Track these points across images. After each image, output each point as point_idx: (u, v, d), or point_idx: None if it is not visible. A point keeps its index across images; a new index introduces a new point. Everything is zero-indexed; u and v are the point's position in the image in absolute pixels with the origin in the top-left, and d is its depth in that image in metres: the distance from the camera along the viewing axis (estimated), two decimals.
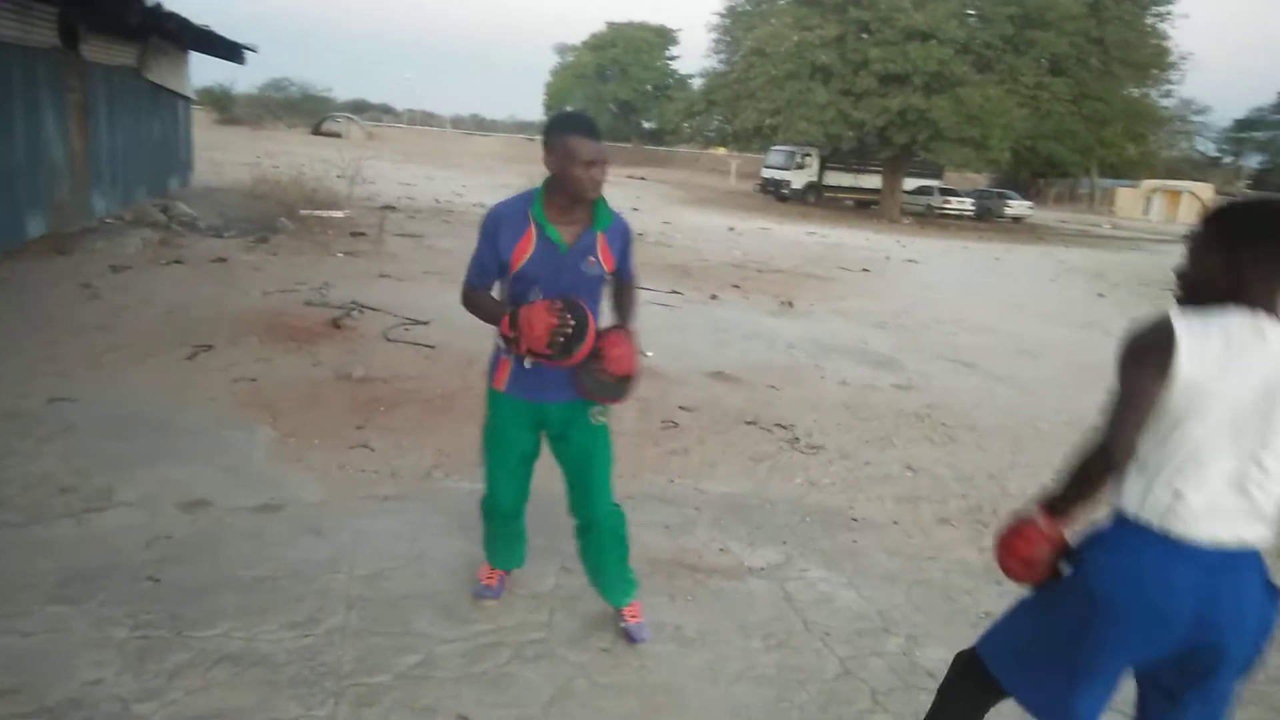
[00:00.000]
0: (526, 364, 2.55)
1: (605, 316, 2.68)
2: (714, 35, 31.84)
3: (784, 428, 5.34)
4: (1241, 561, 1.62)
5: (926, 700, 2.22)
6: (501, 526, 2.94)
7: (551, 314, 2.40)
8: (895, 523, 4.10)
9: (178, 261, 8.77)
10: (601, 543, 2.82)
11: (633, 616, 2.92)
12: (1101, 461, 1.61)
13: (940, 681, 2.09)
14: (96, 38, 10.53)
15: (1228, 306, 1.62)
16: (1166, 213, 45.48)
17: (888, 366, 7.32)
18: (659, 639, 2.92)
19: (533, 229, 2.53)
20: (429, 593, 3.03)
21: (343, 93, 74.31)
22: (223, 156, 20.92)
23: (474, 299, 2.61)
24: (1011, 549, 1.74)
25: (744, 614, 3.14)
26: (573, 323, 2.41)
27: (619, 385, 2.57)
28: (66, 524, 3.28)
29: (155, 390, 4.88)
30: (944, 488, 4.60)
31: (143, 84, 12.88)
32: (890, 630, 3.11)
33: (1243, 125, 58.98)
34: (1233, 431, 1.57)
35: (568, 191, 2.49)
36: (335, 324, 6.38)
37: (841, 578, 3.50)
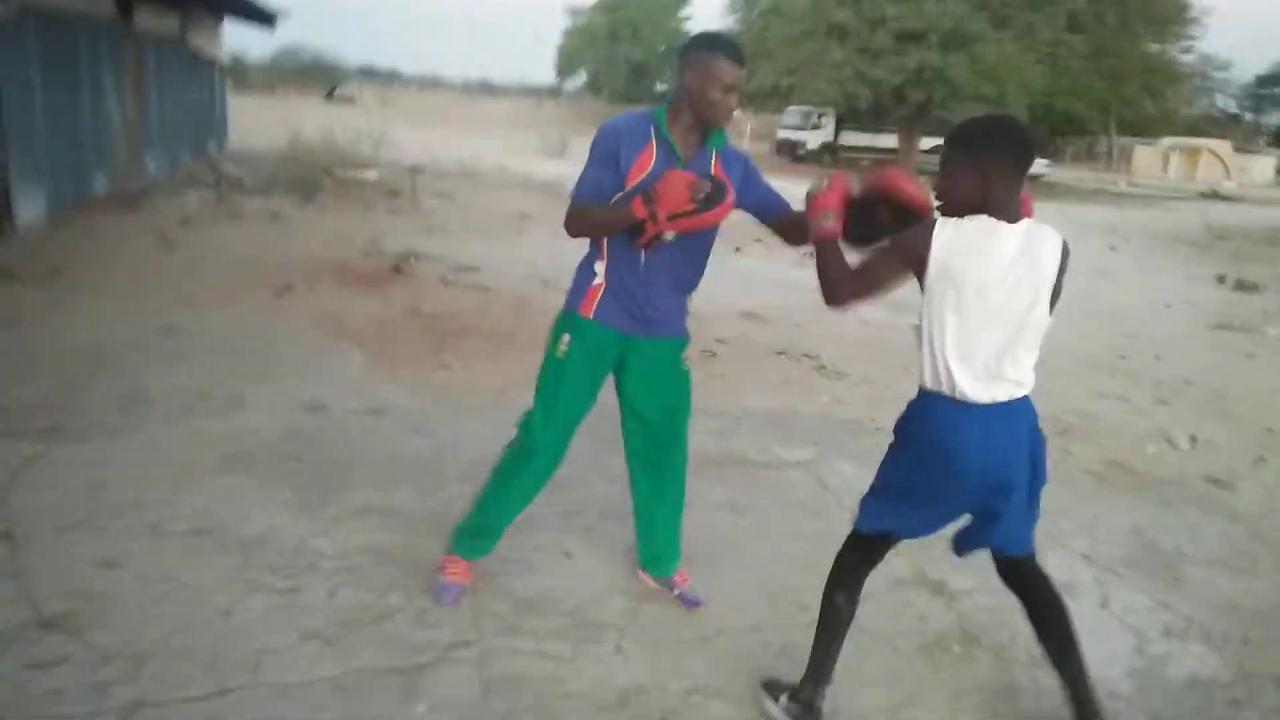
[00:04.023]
0: (669, 237, 2.41)
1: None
2: None
3: (810, 357, 5.89)
4: (1014, 411, 2.09)
5: (940, 547, 2.69)
6: (530, 485, 2.70)
7: (687, 174, 2.32)
8: None
9: (235, 217, 9.34)
10: (675, 487, 2.80)
11: (684, 579, 2.90)
12: (830, 279, 2.22)
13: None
14: (145, 7, 11.03)
15: (976, 215, 1.99)
16: (1185, 171, 44.99)
17: (904, 310, 7.79)
18: (715, 509, 3.50)
19: (654, 142, 2.46)
20: None
21: (350, 57, 74.06)
22: (248, 122, 21.37)
23: (586, 212, 2.48)
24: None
25: (786, 494, 3.72)
26: (710, 181, 2.36)
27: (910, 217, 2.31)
28: (213, 420, 3.90)
29: (250, 324, 5.47)
30: None
31: (184, 51, 13.39)
32: None
33: (1264, 81, 58.33)
34: (988, 322, 2.00)
35: (698, 114, 2.43)
36: (397, 269, 6.94)
37: (867, 471, 3.99)
